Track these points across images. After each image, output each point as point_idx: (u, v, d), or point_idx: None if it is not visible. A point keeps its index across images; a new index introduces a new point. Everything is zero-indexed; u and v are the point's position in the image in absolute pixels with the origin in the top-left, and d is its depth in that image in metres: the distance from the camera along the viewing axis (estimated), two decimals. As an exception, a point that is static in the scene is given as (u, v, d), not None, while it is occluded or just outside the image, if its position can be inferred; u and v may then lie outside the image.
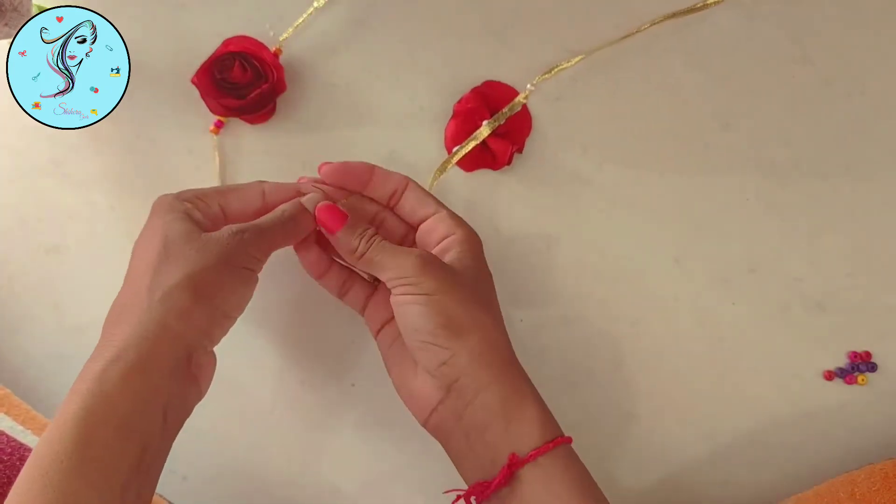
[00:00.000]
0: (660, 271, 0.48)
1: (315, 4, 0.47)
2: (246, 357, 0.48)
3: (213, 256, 0.36)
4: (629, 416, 0.48)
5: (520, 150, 0.47)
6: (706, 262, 0.48)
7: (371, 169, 0.42)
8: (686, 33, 0.48)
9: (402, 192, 0.42)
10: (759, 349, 0.48)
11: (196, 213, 0.39)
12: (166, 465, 0.47)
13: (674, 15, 0.46)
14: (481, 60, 0.48)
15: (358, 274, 0.44)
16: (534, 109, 0.48)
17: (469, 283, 0.39)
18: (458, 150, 0.46)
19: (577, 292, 0.48)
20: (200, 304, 0.36)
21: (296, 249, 0.43)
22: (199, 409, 0.48)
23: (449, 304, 0.37)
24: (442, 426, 0.38)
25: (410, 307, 0.37)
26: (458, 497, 0.37)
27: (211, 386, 0.48)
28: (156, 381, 0.34)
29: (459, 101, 0.47)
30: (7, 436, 0.43)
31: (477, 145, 0.46)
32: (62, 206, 0.48)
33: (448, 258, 0.39)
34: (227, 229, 0.38)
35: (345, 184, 0.42)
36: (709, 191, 0.48)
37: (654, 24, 0.46)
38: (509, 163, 0.47)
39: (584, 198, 0.48)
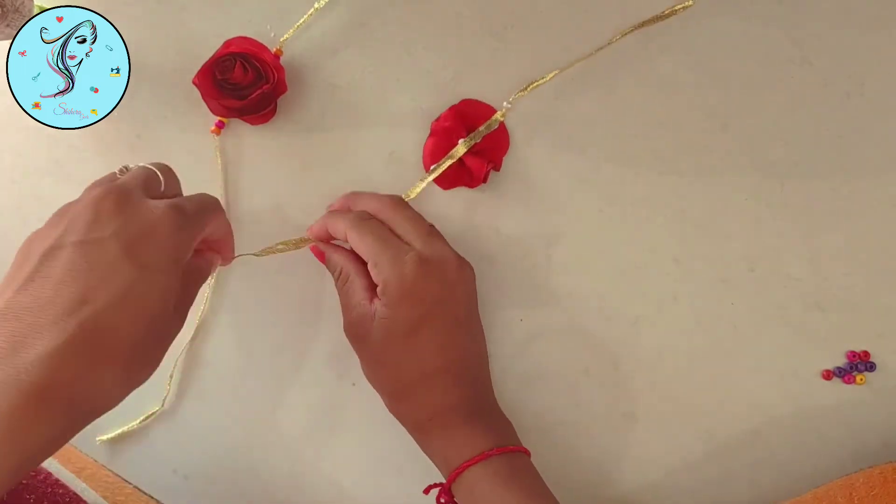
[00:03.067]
0: (659, 271, 0.48)
1: (316, 5, 0.47)
2: (246, 357, 0.48)
3: None
4: (628, 415, 0.48)
5: (496, 168, 0.47)
6: (705, 262, 0.48)
7: (323, 225, 0.45)
8: (685, 34, 0.48)
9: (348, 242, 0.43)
10: (758, 349, 0.48)
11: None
12: (168, 465, 0.48)
13: (642, 24, 0.46)
14: (481, 61, 0.48)
15: None
16: (534, 110, 0.48)
17: (377, 344, 0.41)
18: (434, 169, 0.46)
19: (577, 292, 0.48)
20: None
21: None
22: (199, 410, 0.48)
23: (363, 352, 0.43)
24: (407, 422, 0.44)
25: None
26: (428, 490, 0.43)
27: (211, 386, 0.48)
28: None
29: (437, 120, 0.47)
30: None
31: (454, 163, 0.46)
32: (63, 206, 0.48)
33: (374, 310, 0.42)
34: None
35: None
36: (708, 191, 0.48)
37: (624, 34, 0.46)
38: (485, 181, 0.47)
39: (583, 198, 0.48)
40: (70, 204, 0.34)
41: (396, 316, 0.40)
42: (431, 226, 0.43)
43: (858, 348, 0.48)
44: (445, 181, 0.47)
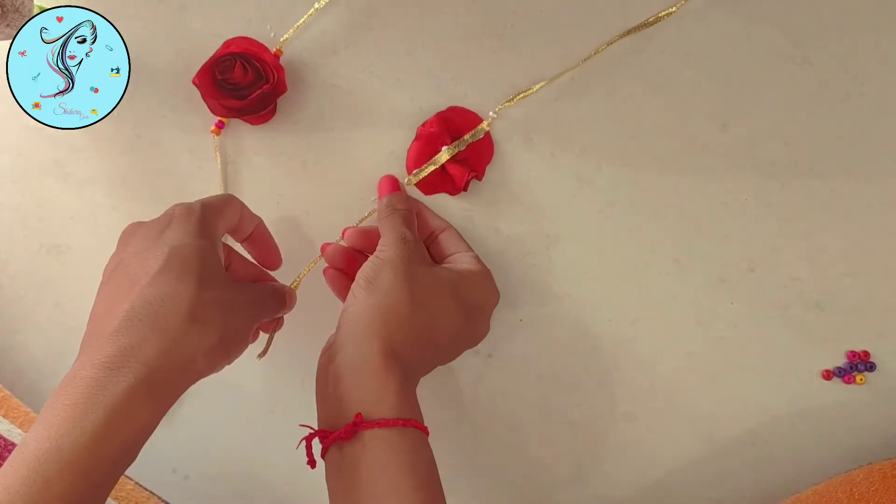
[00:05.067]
0: (659, 271, 0.48)
1: (316, 5, 0.47)
2: (246, 357, 0.48)
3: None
4: (628, 415, 0.48)
5: (479, 177, 0.47)
6: (705, 262, 0.48)
7: (417, 208, 0.47)
8: (684, 34, 0.48)
9: (441, 234, 0.47)
10: (758, 349, 0.48)
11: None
12: (168, 464, 0.48)
13: (628, 32, 0.46)
14: (482, 61, 0.48)
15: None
16: (534, 111, 0.48)
17: (428, 278, 0.42)
18: (416, 173, 0.47)
19: (577, 292, 0.48)
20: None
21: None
22: (199, 410, 0.48)
23: (386, 270, 0.41)
24: (321, 367, 0.40)
25: (368, 261, 0.42)
26: (305, 438, 0.38)
27: (211, 386, 0.48)
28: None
29: (423, 125, 0.47)
30: (4, 439, 0.43)
31: (437, 169, 0.46)
32: (64, 206, 0.48)
33: (448, 264, 0.44)
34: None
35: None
36: (708, 191, 0.48)
37: (611, 43, 0.47)
38: (465, 189, 0.47)
39: (583, 198, 0.48)
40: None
41: (461, 284, 0.43)
42: None
43: (858, 348, 0.48)
44: (427, 187, 0.47)
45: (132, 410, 0.32)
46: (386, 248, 0.42)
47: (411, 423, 0.36)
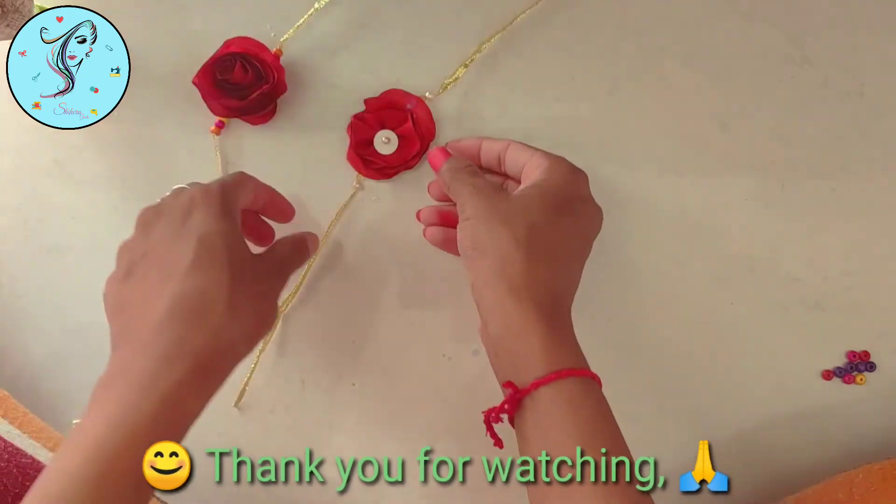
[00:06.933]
0: (660, 271, 0.48)
1: (316, 6, 0.47)
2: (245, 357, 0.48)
3: None
4: (628, 416, 0.48)
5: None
6: (705, 262, 0.48)
7: (478, 143, 0.45)
8: (684, 34, 0.48)
9: (505, 153, 0.44)
10: (758, 349, 0.48)
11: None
12: (167, 464, 0.48)
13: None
14: (482, 61, 0.48)
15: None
16: (534, 112, 0.48)
17: (514, 208, 0.40)
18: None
19: (577, 292, 0.48)
20: None
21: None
22: (199, 409, 0.48)
23: (478, 227, 0.39)
24: (484, 343, 0.40)
25: (459, 230, 0.41)
26: (485, 415, 0.38)
27: (211, 386, 0.48)
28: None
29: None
30: (3, 440, 0.43)
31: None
32: (64, 206, 0.48)
33: (522, 185, 0.42)
34: None
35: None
36: (707, 191, 0.48)
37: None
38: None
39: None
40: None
41: (545, 192, 0.41)
42: None
43: (858, 348, 0.48)
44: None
45: (184, 398, 0.34)
46: (466, 208, 0.41)
47: (564, 374, 0.36)
